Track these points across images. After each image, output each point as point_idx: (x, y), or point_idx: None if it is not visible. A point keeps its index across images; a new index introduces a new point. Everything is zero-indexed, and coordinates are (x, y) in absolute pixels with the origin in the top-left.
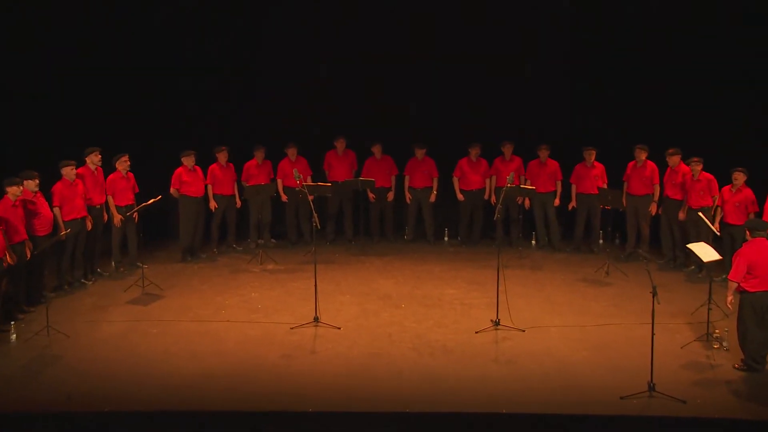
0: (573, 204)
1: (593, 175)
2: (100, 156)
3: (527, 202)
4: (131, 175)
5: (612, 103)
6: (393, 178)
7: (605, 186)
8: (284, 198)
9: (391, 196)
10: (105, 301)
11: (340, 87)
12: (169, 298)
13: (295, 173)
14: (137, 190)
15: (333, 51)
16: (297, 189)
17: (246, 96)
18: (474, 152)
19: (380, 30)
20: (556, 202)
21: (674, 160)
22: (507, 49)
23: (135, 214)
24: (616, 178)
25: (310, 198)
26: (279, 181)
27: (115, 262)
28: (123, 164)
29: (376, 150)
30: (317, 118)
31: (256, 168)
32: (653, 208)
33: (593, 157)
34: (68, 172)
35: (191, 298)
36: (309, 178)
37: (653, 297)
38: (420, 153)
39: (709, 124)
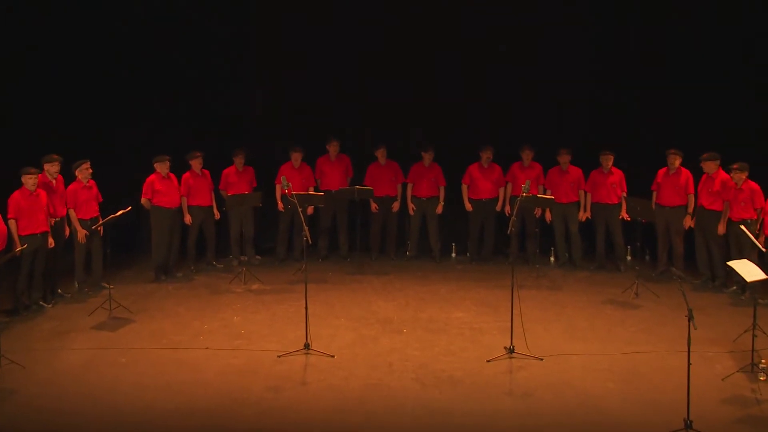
0: (588, 214)
1: (610, 182)
2: (59, 166)
3: (548, 215)
4: (92, 182)
5: (637, 104)
6: (399, 186)
7: (625, 194)
8: (281, 206)
9: (396, 206)
10: (66, 327)
11: (335, 83)
12: (140, 323)
13: (283, 181)
14: (101, 200)
15: (328, 41)
16: (289, 198)
17: (228, 93)
18: (485, 156)
19: (381, 16)
20: (581, 214)
21: (710, 165)
22: (524, 42)
23: (101, 228)
24: (644, 187)
25: (310, 211)
26: (278, 186)
27: (78, 283)
28: (83, 172)
29: (380, 154)
30: (311, 118)
31: (235, 175)
32: (687, 221)
33: (611, 163)
34: (28, 180)
35: (165, 323)
36: (311, 189)
37: (689, 321)
38: (427, 158)
39: (746, 127)
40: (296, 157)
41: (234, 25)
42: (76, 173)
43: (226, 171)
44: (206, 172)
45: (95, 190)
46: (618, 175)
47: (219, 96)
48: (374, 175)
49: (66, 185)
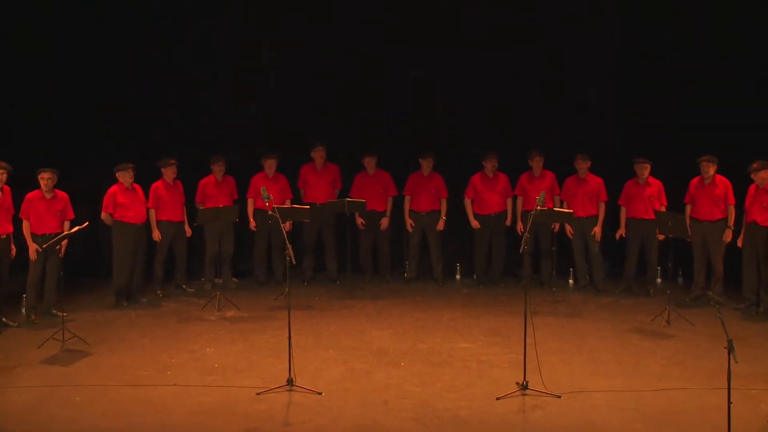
0: (622, 231)
1: (647, 194)
2: (5, 175)
3: (569, 230)
4: (63, 195)
5: (669, 105)
6: (390, 199)
7: (663, 209)
8: (252, 224)
9: (385, 222)
10: (11, 361)
11: (320, 82)
12: (98, 356)
13: (263, 192)
14: (71, 216)
15: (311, 33)
16: (269, 213)
17: (201, 95)
18: (490, 165)
19: (378, 6)
20: (596, 229)
21: (762, 176)
22: (532, 35)
23: (59, 245)
24: (677, 200)
25: (287, 227)
26: (250, 200)
27: (26, 309)
28: (41, 181)
29: (369, 163)
30: (292, 123)
31: (213, 186)
32: (728, 236)
33: (647, 172)
34: None
35: (127, 356)
36: (288, 202)
37: (729, 353)
38: (426, 166)
39: None
40: (270, 165)
41: (208, 19)
42: (39, 180)
43: (203, 181)
44: (178, 183)
45: (62, 204)
46: (656, 186)
47: (192, 95)
48: (361, 187)
49: (18, 198)
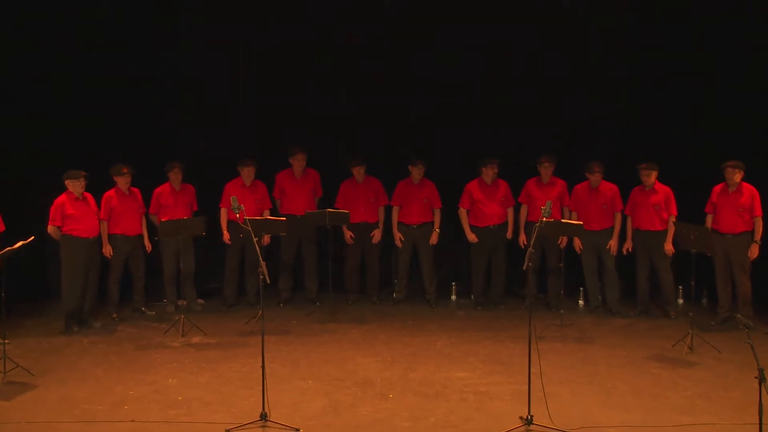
0: (628, 245)
1: (652, 203)
2: None
3: (577, 244)
4: None
5: (685, 106)
6: (381, 209)
7: (674, 218)
8: (226, 237)
9: (378, 235)
10: None
11: (302, 80)
12: (44, 388)
13: (233, 202)
14: (1, 228)
15: (290, 19)
16: (242, 225)
17: (159, 92)
18: (489, 171)
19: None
20: (611, 242)
21: None
22: (538, 27)
23: None
24: (698, 209)
25: (265, 242)
26: (223, 211)
27: None
28: None
29: (358, 172)
30: (270, 125)
31: (170, 195)
32: (754, 251)
33: (653, 178)
34: None
35: (77, 388)
36: (267, 213)
37: (760, 384)
38: (417, 173)
39: None
40: (248, 173)
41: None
42: None
43: (158, 190)
44: (135, 191)
45: None
46: (663, 192)
47: (150, 96)
48: (348, 196)
49: None
